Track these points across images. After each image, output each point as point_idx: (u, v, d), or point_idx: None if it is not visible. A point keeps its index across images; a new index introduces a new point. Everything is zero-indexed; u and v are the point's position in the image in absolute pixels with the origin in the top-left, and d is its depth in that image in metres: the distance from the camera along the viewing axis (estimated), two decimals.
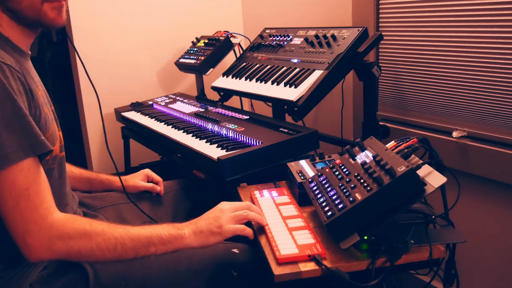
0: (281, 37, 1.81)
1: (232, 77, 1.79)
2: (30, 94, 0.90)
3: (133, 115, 1.84)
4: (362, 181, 0.92)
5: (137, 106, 1.96)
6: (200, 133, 1.48)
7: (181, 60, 2.11)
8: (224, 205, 1.05)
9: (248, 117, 1.63)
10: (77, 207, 1.20)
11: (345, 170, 1.02)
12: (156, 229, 0.96)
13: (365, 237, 0.92)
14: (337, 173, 1.03)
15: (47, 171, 0.99)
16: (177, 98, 2.07)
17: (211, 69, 1.99)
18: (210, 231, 0.99)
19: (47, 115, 0.97)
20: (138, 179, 1.40)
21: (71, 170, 1.35)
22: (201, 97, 2.03)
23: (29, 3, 0.93)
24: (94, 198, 1.34)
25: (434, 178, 0.88)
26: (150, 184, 1.41)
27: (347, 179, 0.98)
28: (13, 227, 0.86)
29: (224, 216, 1.02)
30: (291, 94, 1.45)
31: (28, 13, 0.94)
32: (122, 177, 1.40)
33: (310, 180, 1.10)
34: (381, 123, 1.62)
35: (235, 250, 1.09)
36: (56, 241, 0.87)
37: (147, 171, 1.45)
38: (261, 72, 1.69)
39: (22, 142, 0.85)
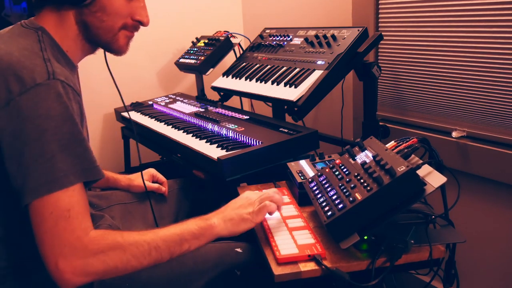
0: (281, 37, 1.81)
1: (232, 77, 1.79)
2: (82, 117, 0.92)
3: (133, 115, 1.84)
4: (362, 181, 0.92)
5: (137, 106, 1.96)
6: (200, 133, 1.48)
7: (181, 60, 2.11)
8: (250, 194, 1.05)
9: (248, 117, 1.63)
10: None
11: (345, 170, 1.02)
12: (184, 225, 0.94)
13: (365, 237, 0.92)
14: (337, 173, 1.03)
15: None
16: (177, 98, 2.07)
17: (211, 69, 1.99)
18: (241, 217, 0.98)
19: (87, 132, 0.99)
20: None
21: None
22: (201, 97, 2.03)
23: (109, 25, 0.96)
24: (100, 198, 1.34)
25: (434, 178, 0.88)
26: (156, 185, 1.40)
27: (347, 179, 0.98)
28: (48, 249, 0.83)
29: (254, 203, 1.01)
30: (291, 94, 1.45)
31: (102, 33, 0.97)
32: (127, 176, 1.39)
33: (310, 180, 1.10)
34: (381, 123, 1.62)
35: (239, 250, 1.09)
36: (91, 261, 0.84)
37: (152, 170, 1.44)
38: (261, 72, 1.69)
39: (77, 167, 0.85)
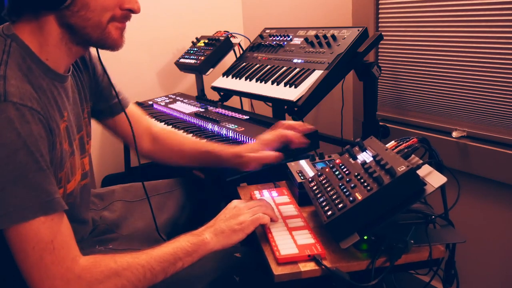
0: (281, 37, 1.81)
1: (232, 77, 1.79)
2: (51, 136, 0.85)
3: None
4: (362, 181, 0.92)
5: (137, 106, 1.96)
6: (200, 133, 1.48)
7: (181, 60, 2.11)
8: (237, 203, 1.03)
9: (248, 117, 1.63)
10: (90, 227, 1.18)
11: (345, 170, 1.02)
12: (177, 244, 0.92)
13: (365, 237, 0.92)
14: (337, 173, 1.03)
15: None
16: (177, 98, 2.07)
17: (211, 69, 1.99)
18: (231, 229, 0.96)
19: (64, 151, 0.92)
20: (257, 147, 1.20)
21: (183, 147, 1.28)
22: (201, 97, 2.03)
23: (96, 21, 0.88)
24: (101, 197, 1.34)
25: (434, 178, 0.88)
26: (264, 155, 1.18)
27: (347, 179, 0.98)
28: (38, 285, 0.79)
29: (242, 212, 1.00)
30: (291, 94, 1.45)
31: (92, 32, 0.89)
32: (234, 151, 1.22)
33: (310, 180, 1.10)
34: (381, 123, 1.62)
35: (237, 255, 1.09)
36: None
37: (283, 129, 1.23)
38: (261, 72, 1.69)
39: (32, 200, 0.78)
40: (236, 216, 0.99)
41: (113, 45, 0.94)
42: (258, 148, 1.21)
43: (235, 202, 1.04)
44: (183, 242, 0.92)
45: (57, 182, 0.92)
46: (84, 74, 1.12)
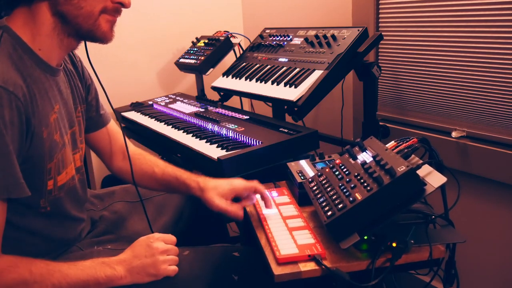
0: (281, 37, 1.81)
1: (232, 77, 1.79)
2: (25, 126, 0.85)
3: (133, 115, 1.84)
4: (362, 181, 0.92)
5: (137, 106, 1.96)
6: (200, 133, 1.48)
7: (181, 60, 2.11)
8: (150, 241, 1.00)
9: (248, 117, 1.63)
10: (87, 225, 1.19)
11: (345, 170, 1.02)
12: (93, 272, 0.92)
13: (365, 237, 0.92)
14: (337, 173, 1.03)
15: (52, 201, 0.96)
16: (177, 98, 2.07)
17: (211, 69, 1.99)
18: (146, 272, 0.96)
19: (54, 143, 0.92)
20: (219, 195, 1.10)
21: (154, 170, 1.25)
22: (201, 97, 2.03)
23: (88, 11, 0.89)
24: (101, 198, 1.34)
25: (434, 178, 0.88)
26: (234, 208, 1.08)
27: (347, 179, 0.98)
28: None
29: (156, 253, 0.98)
30: (291, 94, 1.45)
31: (82, 22, 0.90)
32: (200, 185, 1.14)
33: (310, 180, 1.10)
34: (381, 123, 1.62)
35: (236, 254, 1.09)
36: None
37: (239, 184, 1.12)
38: (261, 72, 1.69)
39: None
40: (152, 256, 0.97)
41: (103, 37, 0.95)
42: (227, 193, 1.10)
43: (145, 240, 1.00)
44: (99, 272, 0.92)
45: (47, 173, 0.92)
46: (77, 79, 1.13)
